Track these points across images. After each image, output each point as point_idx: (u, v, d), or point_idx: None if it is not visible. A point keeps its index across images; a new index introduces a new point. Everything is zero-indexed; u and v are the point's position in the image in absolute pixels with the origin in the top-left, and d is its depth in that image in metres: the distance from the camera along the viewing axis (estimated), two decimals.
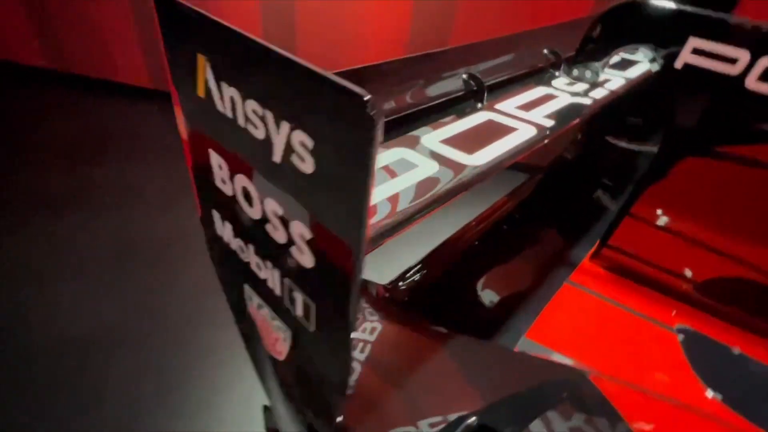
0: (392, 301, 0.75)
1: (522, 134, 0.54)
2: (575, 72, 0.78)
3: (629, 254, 0.87)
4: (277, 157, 0.29)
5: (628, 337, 0.75)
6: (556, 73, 0.80)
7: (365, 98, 0.20)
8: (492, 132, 0.54)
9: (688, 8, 0.63)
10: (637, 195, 0.84)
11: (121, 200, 2.13)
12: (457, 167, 0.45)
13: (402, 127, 0.52)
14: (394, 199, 0.40)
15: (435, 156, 0.47)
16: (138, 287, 1.68)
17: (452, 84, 0.60)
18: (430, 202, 0.40)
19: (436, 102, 0.57)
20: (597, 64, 0.76)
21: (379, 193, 0.40)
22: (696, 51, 0.63)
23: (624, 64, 0.81)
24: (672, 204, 0.84)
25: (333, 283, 0.30)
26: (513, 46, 0.83)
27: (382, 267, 0.78)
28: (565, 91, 0.72)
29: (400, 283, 0.77)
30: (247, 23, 2.27)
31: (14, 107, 2.71)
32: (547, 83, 0.75)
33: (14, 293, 1.59)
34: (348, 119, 0.22)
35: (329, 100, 0.23)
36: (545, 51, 0.81)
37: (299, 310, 0.36)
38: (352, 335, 0.54)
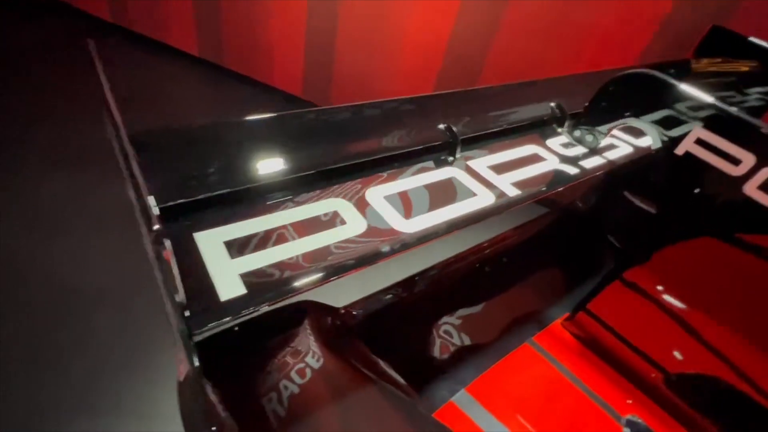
0: (343, 327, 0.76)
1: (475, 203, 0.52)
2: (577, 133, 0.74)
3: (605, 324, 0.83)
4: None
5: (571, 418, 0.72)
6: (559, 130, 0.76)
7: None
8: (446, 194, 0.53)
9: (702, 95, 0.58)
10: (635, 261, 0.79)
11: None
12: (382, 232, 0.44)
13: (360, 172, 0.52)
14: (310, 257, 0.40)
15: (369, 213, 0.46)
16: None
17: (428, 133, 0.59)
18: (338, 268, 0.40)
19: (406, 150, 0.56)
20: (601, 129, 0.71)
21: (296, 247, 0.41)
22: (700, 141, 0.58)
23: (629, 134, 0.76)
24: (672, 278, 0.79)
25: None
26: (525, 93, 0.80)
27: (347, 290, 0.78)
28: (556, 154, 0.68)
29: (354, 311, 0.77)
30: (294, 22, 2.32)
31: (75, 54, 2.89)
32: (543, 140, 0.72)
33: (38, 243, 1.71)
34: None
35: None
36: (552, 104, 0.77)
37: None
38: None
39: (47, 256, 1.66)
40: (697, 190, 0.63)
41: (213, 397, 0.42)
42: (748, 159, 0.54)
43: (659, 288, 0.79)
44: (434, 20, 1.96)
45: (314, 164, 0.49)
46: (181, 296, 0.30)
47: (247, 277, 0.36)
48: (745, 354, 0.71)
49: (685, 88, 0.60)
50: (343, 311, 0.77)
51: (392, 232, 0.45)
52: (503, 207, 0.52)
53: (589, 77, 0.93)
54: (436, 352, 0.80)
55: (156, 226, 0.29)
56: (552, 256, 1.10)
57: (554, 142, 0.72)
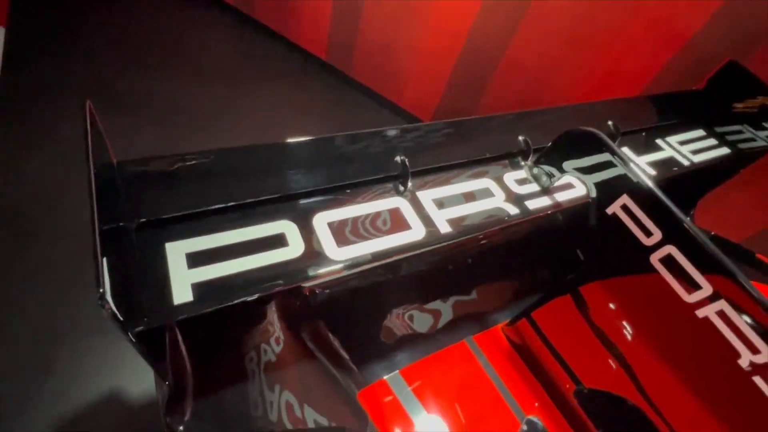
0: (306, 305, 0.89)
1: (408, 236, 0.61)
2: (535, 170, 0.80)
3: (540, 333, 0.92)
4: None
5: (479, 411, 0.84)
6: (522, 163, 0.82)
7: None
8: (385, 224, 0.62)
9: (634, 170, 0.63)
10: (592, 277, 0.86)
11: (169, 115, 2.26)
12: (315, 257, 0.55)
13: (314, 198, 0.62)
14: (250, 274, 0.51)
15: (308, 238, 0.57)
16: None
17: (383, 163, 0.67)
18: (268, 287, 0.51)
19: (361, 180, 0.65)
20: (557, 172, 0.77)
21: (243, 263, 0.52)
22: (624, 208, 0.64)
23: (579, 181, 0.81)
24: (619, 300, 0.86)
25: None
26: (496, 126, 0.85)
27: None
28: (506, 191, 0.75)
29: (318, 290, 0.90)
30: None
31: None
32: (502, 174, 0.78)
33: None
34: None
35: None
36: (521, 138, 0.82)
37: None
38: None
39: None
40: (616, 245, 0.69)
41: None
42: (657, 233, 0.60)
43: (605, 306, 0.87)
44: (460, 5, 1.90)
45: (273, 189, 0.59)
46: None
47: (197, 287, 0.48)
48: (658, 383, 0.80)
49: (624, 157, 0.65)
50: (308, 291, 0.90)
51: (323, 257, 0.55)
52: (430, 243, 0.62)
53: (569, 112, 0.96)
54: (383, 335, 0.93)
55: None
56: (519, 263, 1.19)
57: (511, 177, 0.79)
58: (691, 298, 0.58)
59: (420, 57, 2.21)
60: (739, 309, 0.53)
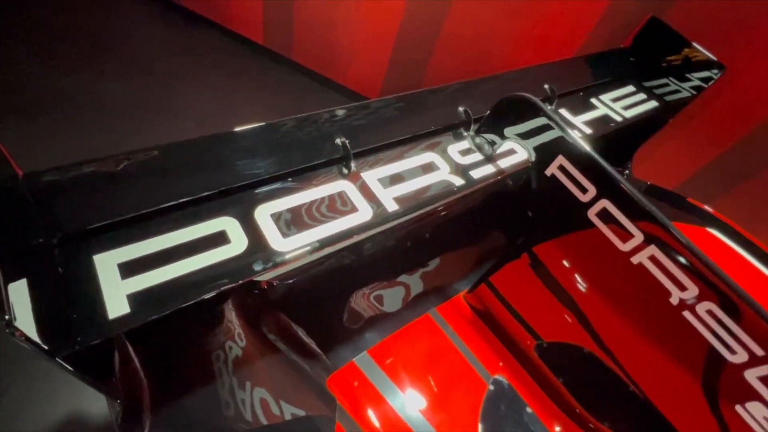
0: (265, 300, 0.87)
1: (355, 219, 0.61)
2: (477, 140, 0.81)
3: (500, 296, 0.96)
4: None
5: (447, 378, 0.87)
6: (465, 134, 0.83)
7: None
8: (332, 209, 0.61)
9: (567, 130, 0.65)
10: (544, 237, 0.89)
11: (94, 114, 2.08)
12: (260, 250, 0.53)
13: (254, 190, 0.59)
14: (192, 276, 0.49)
15: (251, 233, 0.55)
16: None
17: (324, 147, 0.66)
18: (213, 287, 0.49)
19: (302, 166, 0.63)
20: (499, 139, 0.78)
21: (182, 267, 0.50)
22: (561, 168, 0.66)
23: (519, 146, 0.83)
24: (571, 257, 0.90)
25: None
26: (436, 99, 0.85)
27: None
28: (451, 163, 0.76)
29: (276, 283, 0.88)
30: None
31: None
32: (446, 146, 0.79)
33: None
34: None
35: None
36: (460, 109, 0.82)
37: None
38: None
39: None
40: (557, 204, 0.72)
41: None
42: (592, 190, 0.63)
43: (557, 264, 0.91)
44: None
45: (209, 185, 0.56)
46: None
47: (134, 297, 0.46)
48: (608, 329, 0.85)
49: (556, 118, 0.67)
50: (265, 285, 0.88)
51: (269, 250, 0.54)
52: (378, 224, 0.61)
53: (508, 79, 0.97)
54: (347, 319, 0.94)
55: None
56: (474, 231, 1.22)
57: (455, 149, 0.79)
58: (626, 246, 0.62)
59: (360, 34, 2.16)
60: (667, 252, 0.58)
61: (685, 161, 1.71)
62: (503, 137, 0.78)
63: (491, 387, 0.87)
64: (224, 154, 0.59)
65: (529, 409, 0.86)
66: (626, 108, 1.09)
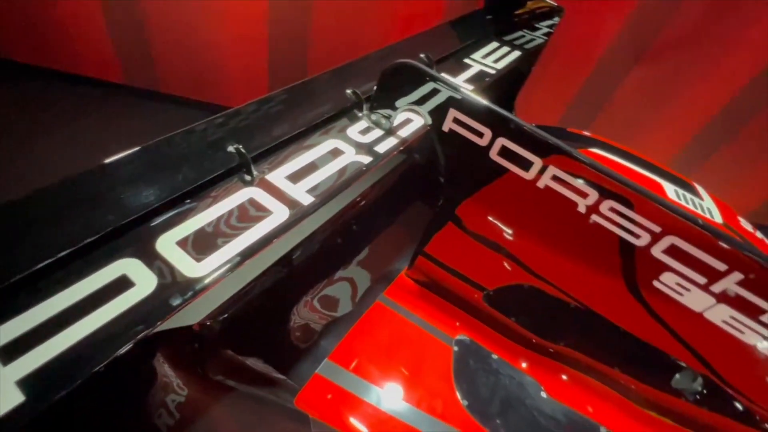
0: (202, 342, 0.79)
1: (272, 222, 0.57)
2: (373, 117, 0.81)
3: (439, 262, 0.98)
4: None
5: (413, 354, 0.87)
6: (359, 114, 0.83)
7: None
8: (243, 219, 0.57)
9: (450, 83, 0.68)
10: (462, 198, 0.92)
11: None
12: (173, 283, 0.47)
13: (149, 221, 0.53)
14: (95, 336, 0.42)
15: (159, 266, 0.48)
16: None
17: (217, 158, 0.61)
18: (124, 339, 0.42)
19: (198, 183, 0.58)
20: (393, 111, 0.80)
21: (81, 329, 0.42)
22: (456, 120, 0.69)
23: (414, 113, 0.86)
24: (485, 212, 0.94)
25: None
26: (322, 85, 0.84)
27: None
28: (354, 144, 0.75)
29: (210, 321, 0.80)
30: None
31: None
32: (345, 130, 0.78)
33: None
34: None
35: None
36: (349, 91, 0.82)
37: None
38: None
39: None
40: (463, 158, 0.76)
41: None
42: (487, 132, 0.67)
43: (481, 218, 0.95)
44: None
45: (92, 230, 0.48)
46: None
47: (25, 382, 0.37)
48: (539, 259, 0.91)
49: (438, 76, 0.70)
50: (198, 327, 0.80)
51: (184, 280, 0.48)
52: (297, 220, 0.58)
53: (386, 53, 1.00)
54: (298, 333, 0.89)
55: None
56: (398, 211, 1.24)
57: (354, 130, 0.79)
58: (529, 174, 0.67)
59: (230, 46, 2.05)
60: (564, 167, 0.63)
61: (556, 100, 1.93)
62: (396, 109, 0.79)
63: (455, 348, 0.89)
64: (102, 192, 0.52)
65: (494, 356, 0.89)
66: (496, 61, 1.19)
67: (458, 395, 0.81)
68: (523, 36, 1.39)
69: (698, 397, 0.79)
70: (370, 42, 1.86)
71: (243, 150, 0.61)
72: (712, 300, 0.59)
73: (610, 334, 0.83)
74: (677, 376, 0.80)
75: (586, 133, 1.33)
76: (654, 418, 0.81)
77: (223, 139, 0.62)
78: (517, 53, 1.27)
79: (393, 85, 0.75)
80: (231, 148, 0.61)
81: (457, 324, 0.94)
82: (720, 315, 0.60)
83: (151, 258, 0.49)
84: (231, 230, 0.55)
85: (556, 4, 1.36)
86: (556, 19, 1.40)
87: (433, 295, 0.99)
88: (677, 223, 0.58)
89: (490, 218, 0.90)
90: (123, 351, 0.41)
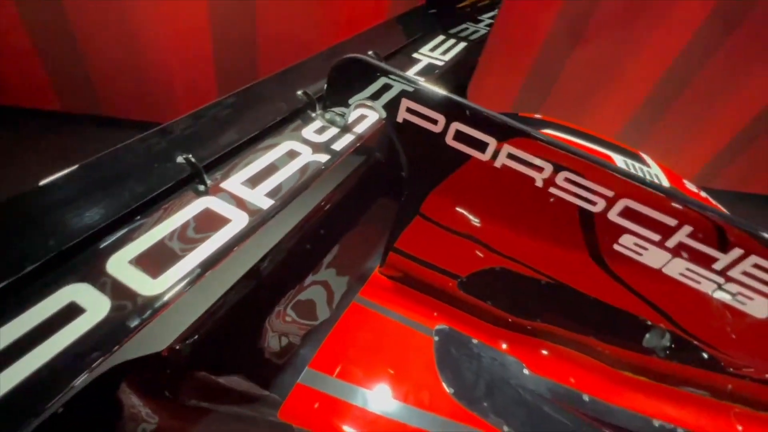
0: (172, 367, 0.75)
1: (231, 229, 0.55)
2: (327, 116, 0.80)
3: (411, 256, 0.98)
4: None
5: (395, 349, 0.87)
6: (313, 115, 0.82)
7: None
8: (201, 230, 0.54)
9: (399, 74, 0.69)
10: (427, 191, 0.92)
11: None
12: (129, 304, 0.44)
13: (98, 241, 0.49)
14: (44, 371, 0.38)
15: (111, 288, 0.45)
16: None
17: (165, 170, 0.58)
18: (78, 370, 0.39)
19: (149, 197, 0.55)
20: (346, 109, 0.79)
21: (28, 364, 0.38)
22: (409, 110, 0.70)
23: (368, 108, 0.86)
24: (454, 203, 0.95)
25: None
26: (270, 90, 0.82)
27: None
28: (310, 144, 0.74)
29: (179, 346, 0.76)
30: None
31: None
32: (300, 131, 0.76)
33: None
34: None
35: None
36: (299, 93, 0.81)
37: None
38: None
39: None
40: (420, 147, 0.76)
41: None
42: (440, 118, 0.68)
43: (448, 209, 0.95)
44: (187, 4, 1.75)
45: (32, 257, 0.44)
46: None
47: None
48: (507, 240, 0.93)
49: (387, 68, 0.70)
50: (166, 353, 0.75)
51: (141, 299, 0.45)
52: (259, 224, 0.57)
53: (334, 52, 0.99)
54: (275, 344, 0.86)
55: None
56: (365, 210, 1.23)
57: (309, 131, 0.78)
58: (486, 156, 0.68)
59: (173, 61, 1.97)
60: (518, 144, 0.65)
61: (507, 86, 1.99)
62: (349, 105, 0.79)
63: (436, 338, 0.89)
64: (40, 215, 0.48)
65: (475, 340, 0.90)
66: (443, 53, 1.21)
67: (444, 384, 0.81)
68: (467, 28, 1.42)
69: (668, 352, 0.83)
70: (318, 46, 1.85)
71: (193, 159, 0.58)
72: (668, 255, 0.62)
73: (582, 305, 0.86)
74: (647, 335, 0.83)
75: (537, 116, 1.37)
76: (631, 378, 0.85)
77: (170, 149, 0.59)
78: (463, 44, 1.30)
79: (343, 82, 0.75)
80: (180, 159, 0.59)
81: (435, 314, 0.94)
82: (677, 269, 0.63)
83: (102, 280, 0.46)
84: (188, 242, 0.52)
85: None
86: (496, 8, 1.44)
87: (408, 289, 0.99)
88: (628, 186, 0.60)
89: (456, 207, 0.90)
90: (79, 383, 0.38)
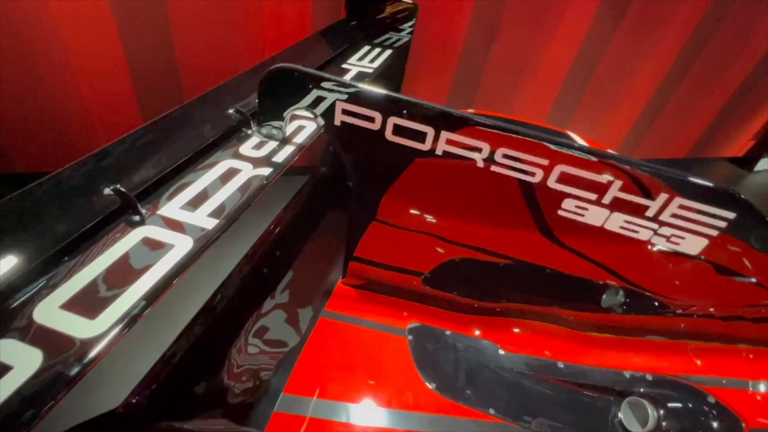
0: (132, 422, 0.68)
1: (176, 255, 0.51)
2: (264, 131, 0.79)
3: (372, 262, 0.97)
4: None
5: (370, 357, 0.85)
6: (249, 131, 0.80)
7: None
8: (140, 261, 0.50)
9: (330, 77, 0.69)
10: (373, 202, 0.91)
11: None
12: (64, 351, 0.40)
13: (24, 290, 0.44)
14: None
15: (44, 337, 0.40)
16: None
17: (92, 205, 0.53)
18: (22, 427, 0.34)
19: (72, 239, 0.50)
20: (282, 121, 0.78)
21: None
22: (345, 111, 0.70)
23: (304, 117, 0.86)
24: (406, 203, 0.95)
25: None
26: (199, 111, 0.79)
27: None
28: (250, 160, 0.72)
29: (136, 399, 0.70)
30: None
31: None
32: (238, 149, 0.74)
33: None
34: None
35: None
36: (231, 111, 0.79)
37: None
38: None
39: None
40: (362, 148, 0.77)
41: None
42: (377, 115, 0.68)
43: (402, 211, 0.96)
44: (101, 51, 1.65)
45: None
46: None
47: None
48: (461, 229, 0.94)
49: (317, 73, 0.70)
50: (122, 409, 0.68)
51: (78, 344, 0.41)
52: (205, 246, 0.53)
53: (261, 70, 0.98)
54: (243, 378, 0.81)
55: None
56: (318, 226, 1.21)
57: (247, 147, 0.75)
58: (426, 145, 0.69)
59: (94, 106, 1.84)
60: (454, 129, 0.67)
61: (436, 88, 2.07)
62: (284, 117, 0.78)
63: (410, 337, 0.88)
64: None
65: (448, 332, 0.90)
66: (371, 62, 1.24)
67: (425, 381, 0.81)
68: (390, 37, 1.47)
69: (624, 307, 0.88)
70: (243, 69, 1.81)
71: (123, 189, 0.54)
72: (606, 211, 0.67)
73: (541, 279, 0.90)
74: (604, 296, 0.88)
75: (470, 110, 1.44)
76: (598, 337, 0.89)
77: (95, 182, 0.55)
78: (389, 51, 1.34)
79: (275, 94, 0.74)
80: (107, 191, 0.54)
81: (405, 314, 0.94)
82: (616, 222, 0.67)
83: (30, 332, 0.41)
84: (128, 275, 0.48)
85: (411, 2, 1.46)
86: (414, 15, 1.50)
87: (375, 295, 0.99)
88: (559, 153, 0.64)
89: (409, 205, 0.91)
90: None
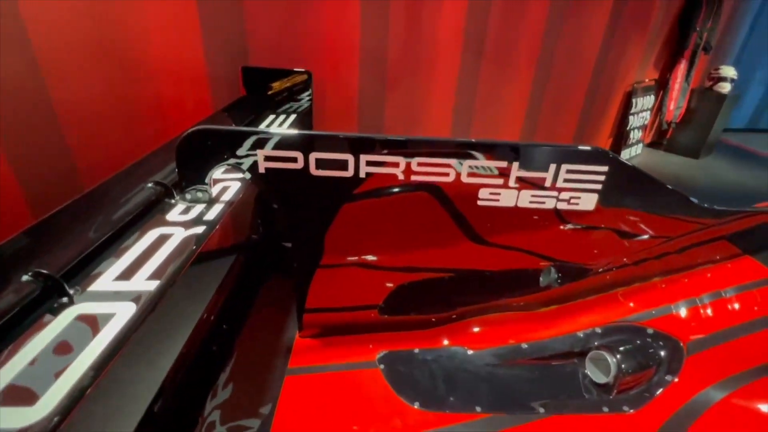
0: None
1: (120, 320, 0.48)
2: (188, 196, 0.78)
3: (324, 309, 0.95)
4: None
5: (350, 398, 0.81)
6: (173, 201, 0.79)
7: None
8: (78, 337, 0.46)
9: (251, 130, 0.72)
10: (314, 248, 0.91)
11: None
12: None
13: None
14: None
15: None
16: None
17: (9, 294, 0.48)
18: None
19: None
20: (206, 184, 0.78)
21: None
22: (267, 158, 0.73)
23: (230, 172, 0.88)
24: (340, 242, 0.95)
25: None
26: (117, 189, 0.77)
27: None
28: (180, 224, 0.71)
29: None
30: None
31: None
32: (163, 219, 0.72)
33: None
34: None
35: None
36: (150, 185, 0.78)
37: None
38: None
39: None
40: (290, 189, 0.79)
41: None
42: (298, 155, 0.73)
43: (341, 249, 0.96)
44: None
45: None
46: None
47: None
48: (404, 255, 0.97)
49: (231, 128, 0.74)
50: None
51: None
52: (149, 308, 0.51)
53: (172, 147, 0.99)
54: None
55: None
56: (264, 287, 1.16)
57: (174, 214, 0.74)
58: (349, 172, 0.74)
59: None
60: (368, 151, 0.73)
61: None
62: (206, 181, 0.78)
63: (381, 366, 0.88)
64: None
65: (416, 350, 0.91)
66: (279, 127, 1.31)
67: (408, 403, 0.80)
68: (292, 105, 1.58)
69: (559, 281, 0.97)
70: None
71: (45, 271, 0.50)
72: (515, 192, 0.77)
73: (483, 279, 0.97)
74: (540, 278, 0.97)
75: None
76: (547, 312, 0.96)
77: (17, 269, 0.50)
78: (293, 116, 1.43)
79: (194, 157, 0.74)
80: (26, 277, 0.50)
81: (371, 346, 0.93)
82: (526, 198, 0.77)
83: None
84: (67, 354, 0.44)
85: (304, 71, 1.59)
86: (309, 82, 1.63)
87: (335, 338, 0.97)
88: (464, 148, 0.73)
89: (349, 243, 0.94)
90: None
